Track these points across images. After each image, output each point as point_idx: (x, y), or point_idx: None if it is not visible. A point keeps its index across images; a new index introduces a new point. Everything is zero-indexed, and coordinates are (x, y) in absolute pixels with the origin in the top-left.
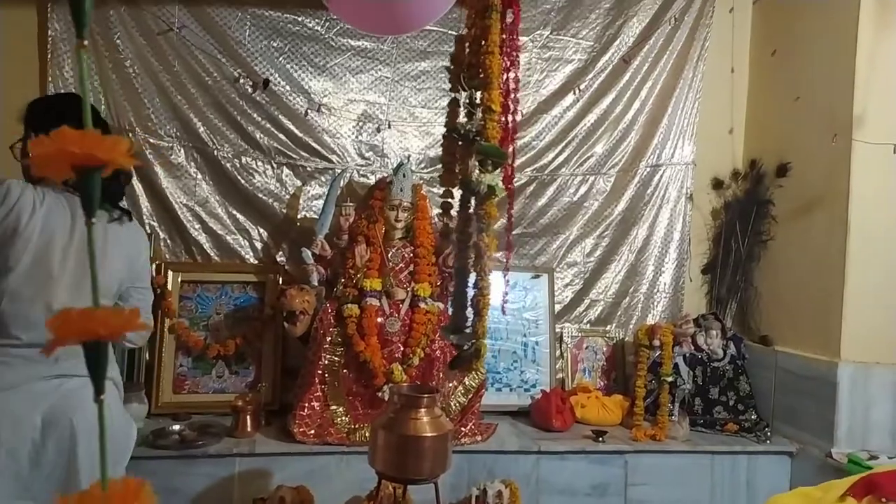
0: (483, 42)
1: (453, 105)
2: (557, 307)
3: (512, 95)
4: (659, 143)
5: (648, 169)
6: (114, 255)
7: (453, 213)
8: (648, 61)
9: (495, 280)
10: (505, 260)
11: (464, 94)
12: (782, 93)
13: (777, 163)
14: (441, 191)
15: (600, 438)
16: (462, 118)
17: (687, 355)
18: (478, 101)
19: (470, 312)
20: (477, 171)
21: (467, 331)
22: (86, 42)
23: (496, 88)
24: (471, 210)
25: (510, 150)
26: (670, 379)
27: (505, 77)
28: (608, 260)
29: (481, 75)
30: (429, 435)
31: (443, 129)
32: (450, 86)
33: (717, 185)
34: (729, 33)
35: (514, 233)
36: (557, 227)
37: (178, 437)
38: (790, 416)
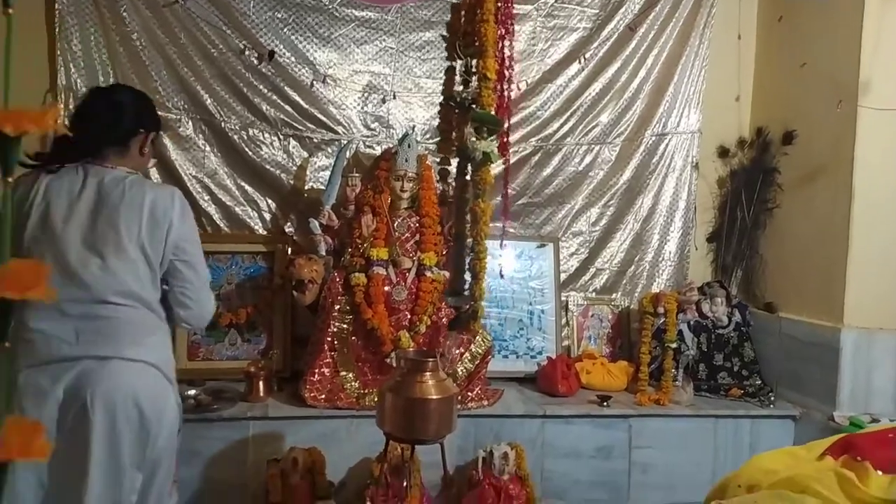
0: (478, 10)
1: (450, 73)
2: (563, 276)
3: (507, 63)
4: (665, 111)
5: (654, 138)
6: (129, 209)
7: (451, 180)
8: (654, 29)
9: (494, 247)
10: (502, 227)
11: (460, 62)
12: (789, 60)
13: (783, 130)
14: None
15: (605, 403)
16: (458, 86)
17: (691, 322)
18: (474, 69)
19: (468, 276)
20: (472, 139)
21: (465, 293)
22: (11, 10)
23: (491, 57)
24: (467, 176)
25: (506, 116)
26: (674, 345)
27: (500, 45)
28: (613, 229)
29: (477, 44)
30: (434, 397)
31: None
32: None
33: (723, 153)
34: (736, 0)
35: (519, 202)
36: (563, 196)
37: (193, 401)
38: (794, 381)
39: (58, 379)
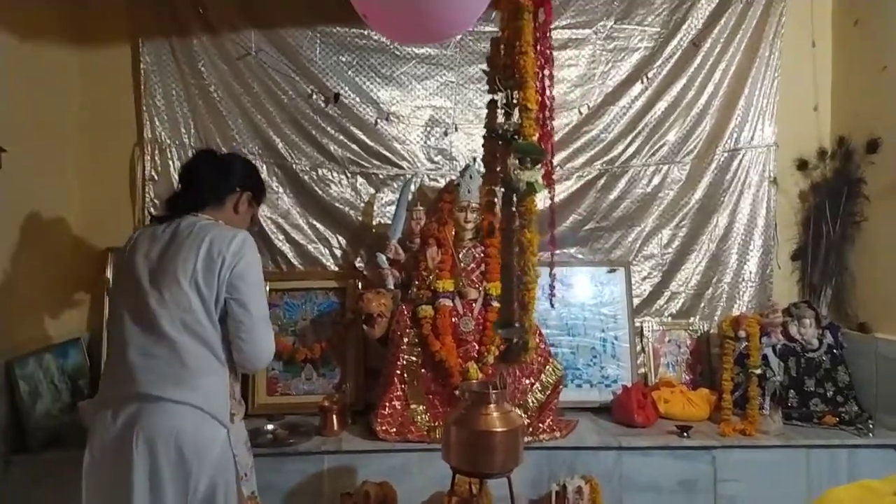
0: (517, 43)
1: (492, 106)
2: (636, 301)
3: (547, 92)
4: (736, 126)
5: (726, 154)
6: (188, 248)
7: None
8: (720, 43)
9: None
10: (551, 256)
11: (501, 94)
12: (868, 64)
13: (867, 138)
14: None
15: (685, 433)
16: (500, 118)
17: (777, 346)
18: (515, 100)
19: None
20: (516, 170)
21: (516, 325)
22: None
23: (531, 87)
24: (514, 207)
25: (549, 146)
26: (758, 371)
27: (540, 75)
28: (687, 250)
29: (516, 76)
30: (499, 430)
31: None
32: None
33: (802, 165)
34: (807, 6)
35: (586, 227)
36: (632, 219)
37: (271, 436)
38: (895, 406)
39: (117, 416)
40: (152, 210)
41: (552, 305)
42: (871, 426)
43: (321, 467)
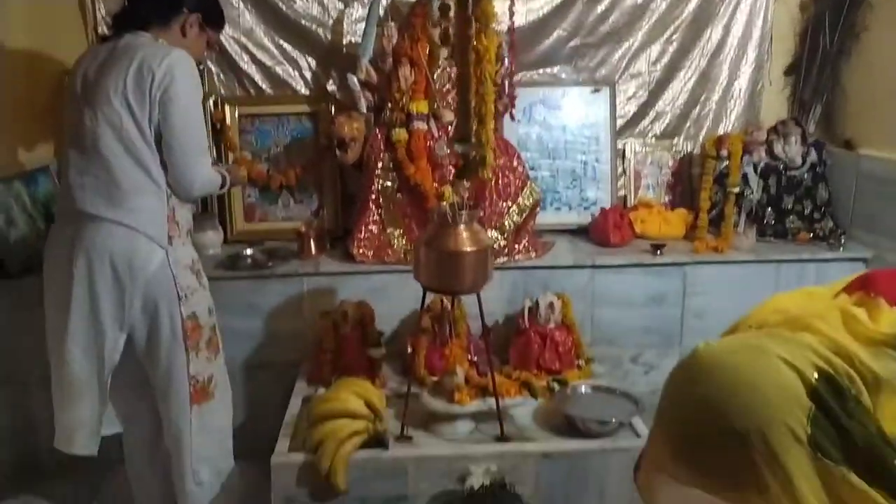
0: None
1: None
2: (620, 122)
3: None
4: None
5: None
6: (120, 65)
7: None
8: None
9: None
10: (509, 67)
11: None
12: None
13: None
14: None
15: (658, 251)
16: None
17: (759, 165)
18: None
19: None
20: None
21: (472, 140)
22: None
23: None
24: (469, 11)
25: None
26: (736, 190)
27: None
28: (677, 67)
29: None
30: (468, 250)
31: None
32: None
33: None
34: None
35: (570, 45)
36: (620, 34)
37: (250, 260)
38: (869, 222)
39: (62, 233)
40: (105, 29)
41: (512, 118)
42: (842, 240)
43: (300, 289)
